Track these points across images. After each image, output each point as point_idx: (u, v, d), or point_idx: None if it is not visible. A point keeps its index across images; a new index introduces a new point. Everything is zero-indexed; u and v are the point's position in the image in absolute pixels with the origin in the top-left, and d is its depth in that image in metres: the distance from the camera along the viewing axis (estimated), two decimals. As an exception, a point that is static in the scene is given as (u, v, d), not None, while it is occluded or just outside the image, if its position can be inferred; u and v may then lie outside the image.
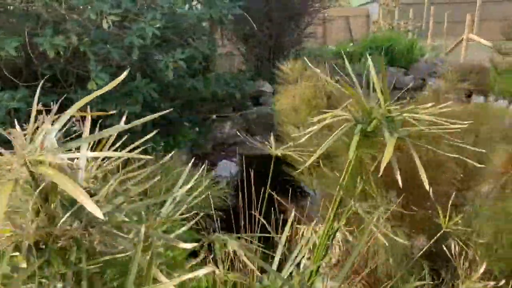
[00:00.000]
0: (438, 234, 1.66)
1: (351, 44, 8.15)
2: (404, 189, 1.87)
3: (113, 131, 0.79)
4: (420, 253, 1.63)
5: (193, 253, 1.28)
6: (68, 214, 0.67)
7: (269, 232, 1.57)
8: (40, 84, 1.07)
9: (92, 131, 0.91)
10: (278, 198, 1.95)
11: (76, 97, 4.38)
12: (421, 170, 1.05)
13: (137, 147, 0.99)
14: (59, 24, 4.11)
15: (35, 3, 3.95)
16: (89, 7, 4.02)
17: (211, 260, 1.37)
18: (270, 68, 7.88)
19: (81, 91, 4.36)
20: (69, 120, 0.77)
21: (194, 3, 5.03)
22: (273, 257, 1.35)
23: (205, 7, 5.27)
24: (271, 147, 1.75)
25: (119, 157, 0.90)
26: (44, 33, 3.92)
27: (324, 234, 1.37)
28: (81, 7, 4.16)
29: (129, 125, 0.79)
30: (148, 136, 1.00)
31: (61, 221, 0.66)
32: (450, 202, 1.66)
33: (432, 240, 1.66)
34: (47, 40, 3.90)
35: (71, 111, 0.77)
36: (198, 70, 5.75)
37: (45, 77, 4.47)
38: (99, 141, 0.91)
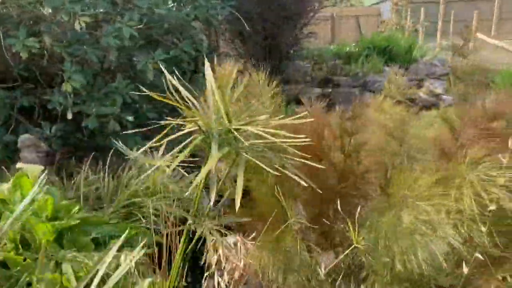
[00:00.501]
0: (349, 249, 1.56)
1: (353, 44, 7.98)
2: (313, 202, 1.77)
3: None
4: (327, 270, 1.52)
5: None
6: None
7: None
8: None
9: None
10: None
11: (54, 98, 4.38)
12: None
13: None
14: (34, 25, 4.12)
15: (6, 3, 3.96)
16: (61, 8, 4.01)
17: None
18: (267, 69, 7.79)
19: (58, 93, 4.36)
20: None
21: (171, 4, 4.95)
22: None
23: (190, 7, 5.21)
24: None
25: None
26: (18, 35, 3.93)
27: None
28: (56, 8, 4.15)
29: None
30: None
31: None
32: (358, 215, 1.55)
33: (342, 256, 1.56)
34: (19, 42, 3.90)
35: None
36: (185, 71, 5.70)
37: (24, 78, 4.50)
38: None
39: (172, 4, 4.96)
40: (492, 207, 1.40)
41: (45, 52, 4.19)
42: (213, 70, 1.99)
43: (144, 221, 3.28)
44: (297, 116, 1.58)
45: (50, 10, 4.19)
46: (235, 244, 1.55)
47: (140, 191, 3.64)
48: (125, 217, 3.48)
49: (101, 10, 4.31)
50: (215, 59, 7.41)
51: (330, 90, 6.63)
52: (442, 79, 6.28)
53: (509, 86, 5.12)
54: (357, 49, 7.49)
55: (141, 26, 4.85)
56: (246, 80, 2.33)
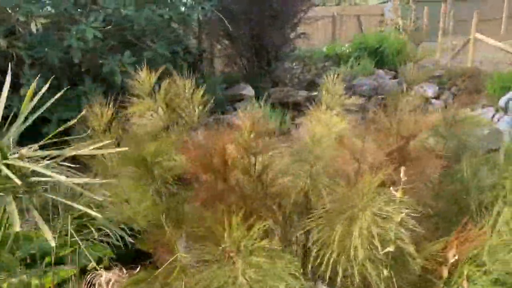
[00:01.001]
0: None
1: (346, 44, 7.70)
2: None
3: None
4: None
5: None
6: None
7: None
8: None
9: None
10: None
11: (14, 103, 4.23)
12: None
13: None
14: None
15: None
16: (17, 9, 3.85)
17: None
18: (254, 70, 7.58)
19: (17, 98, 4.21)
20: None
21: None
22: None
23: (163, 8, 5.02)
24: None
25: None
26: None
27: None
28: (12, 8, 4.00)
29: None
30: None
31: None
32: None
33: None
34: (-24, 43, 3.76)
35: None
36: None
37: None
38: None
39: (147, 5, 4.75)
40: (390, 248, 1.17)
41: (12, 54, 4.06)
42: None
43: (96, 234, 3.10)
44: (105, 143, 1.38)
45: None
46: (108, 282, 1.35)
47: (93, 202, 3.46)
48: (77, 230, 3.31)
49: (63, 11, 4.13)
50: (201, 60, 7.19)
51: (316, 93, 6.39)
52: (433, 82, 5.99)
53: (499, 90, 4.80)
54: (348, 50, 7.23)
55: (109, 27, 4.69)
56: (165, 86, 2.12)
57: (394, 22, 10.34)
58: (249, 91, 6.99)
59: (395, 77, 6.45)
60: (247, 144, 1.63)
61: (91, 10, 4.40)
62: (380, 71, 6.63)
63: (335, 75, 2.05)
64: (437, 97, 5.72)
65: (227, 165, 1.61)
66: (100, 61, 4.51)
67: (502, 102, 4.73)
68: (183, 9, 5.30)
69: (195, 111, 2.15)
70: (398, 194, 1.25)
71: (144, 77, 2.04)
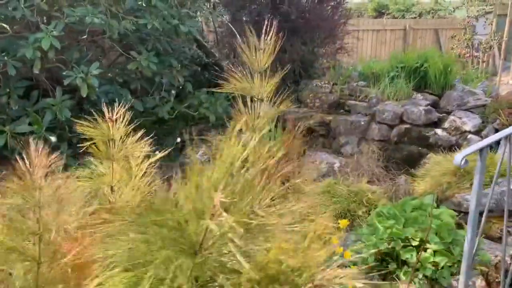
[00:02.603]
0: None
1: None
2: None
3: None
4: None
5: None
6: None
7: None
8: None
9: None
10: None
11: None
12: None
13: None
14: None
15: None
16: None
17: None
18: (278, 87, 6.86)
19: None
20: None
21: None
22: None
23: (151, 18, 4.59)
24: None
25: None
26: None
27: None
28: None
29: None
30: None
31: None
32: None
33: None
34: None
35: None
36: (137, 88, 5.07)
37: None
38: None
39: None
40: None
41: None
42: None
43: None
44: None
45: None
46: None
47: None
48: None
49: (21, 17, 3.87)
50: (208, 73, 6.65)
51: (330, 118, 5.50)
52: (475, 112, 4.79)
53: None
54: (384, 68, 6.20)
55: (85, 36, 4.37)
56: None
57: (466, 38, 8.90)
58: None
59: (434, 104, 5.32)
60: None
61: (51, 18, 4.11)
62: (419, 95, 5.54)
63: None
64: (477, 132, 4.55)
65: None
66: (64, 73, 4.20)
67: None
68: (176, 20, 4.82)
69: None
70: None
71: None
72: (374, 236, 2.69)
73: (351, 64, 7.54)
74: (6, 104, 4.29)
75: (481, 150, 1.98)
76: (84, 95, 4.25)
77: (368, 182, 4.17)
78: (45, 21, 4.13)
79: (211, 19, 6.39)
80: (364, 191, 3.87)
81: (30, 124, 4.16)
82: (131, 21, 4.44)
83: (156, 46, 4.96)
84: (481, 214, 3.36)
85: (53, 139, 4.14)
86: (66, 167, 4.20)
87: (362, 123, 5.25)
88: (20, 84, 4.35)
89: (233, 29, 5.75)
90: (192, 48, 7.45)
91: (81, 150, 1.76)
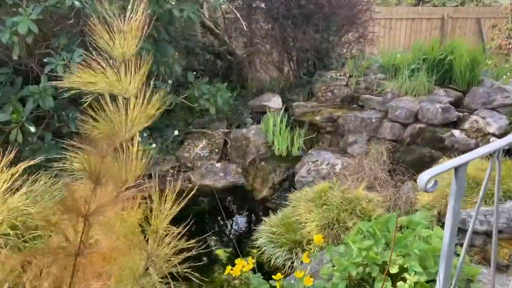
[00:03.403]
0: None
1: (398, 54, 6.00)
2: None
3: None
4: None
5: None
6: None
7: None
8: None
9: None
10: None
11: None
12: None
13: None
14: None
15: None
16: None
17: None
18: (292, 79, 6.44)
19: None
20: None
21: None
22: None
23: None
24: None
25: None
26: None
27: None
28: None
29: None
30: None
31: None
32: None
33: None
34: None
35: None
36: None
37: None
38: None
39: None
40: None
41: None
42: None
43: None
44: None
45: None
46: None
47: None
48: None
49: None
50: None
51: (339, 113, 5.00)
52: (502, 112, 4.19)
53: None
54: (406, 59, 5.60)
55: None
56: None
57: (509, 28, 8.07)
58: (275, 103, 5.90)
59: (457, 101, 4.74)
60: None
61: (31, 1, 3.88)
62: (441, 90, 4.96)
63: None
64: (503, 134, 3.97)
65: None
66: (45, 59, 3.98)
67: None
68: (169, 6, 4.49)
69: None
70: None
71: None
72: (347, 258, 2.27)
73: (376, 55, 6.98)
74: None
75: (456, 168, 1.53)
76: (67, 84, 4.01)
77: (368, 188, 3.72)
78: (24, 5, 3.90)
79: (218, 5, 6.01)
80: (359, 199, 3.43)
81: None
82: (118, 5, 4.14)
83: (151, 33, 4.65)
84: (488, 235, 2.86)
85: (32, 129, 3.94)
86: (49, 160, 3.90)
87: (374, 120, 4.75)
88: (2, 71, 4.18)
89: (238, 14, 5.35)
90: (206, 35, 7.15)
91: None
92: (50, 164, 4.49)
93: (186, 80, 5.37)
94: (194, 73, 6.76)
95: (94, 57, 1.48)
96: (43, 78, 4.17)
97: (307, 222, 3.43)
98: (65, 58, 3.96)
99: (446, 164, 1.53)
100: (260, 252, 3.46)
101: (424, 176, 1.46)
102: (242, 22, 5.29)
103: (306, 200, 3.65)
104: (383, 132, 4.64)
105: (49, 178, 4.11)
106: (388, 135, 4.59)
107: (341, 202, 3.41)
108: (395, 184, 3.79)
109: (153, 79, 4.98)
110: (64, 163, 4.49)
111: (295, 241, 3.37)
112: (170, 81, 4.91)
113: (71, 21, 4.17)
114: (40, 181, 3.96)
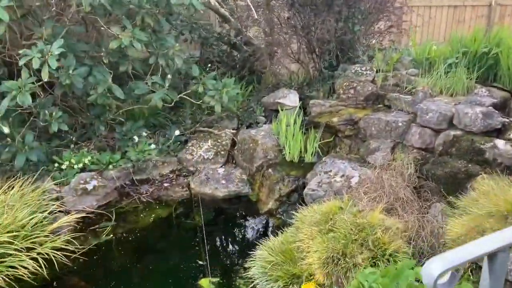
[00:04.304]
0: None
1: (434, 46, 5.21)
2: None
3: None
4: None
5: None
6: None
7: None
8: None
9: None
10: None
11: None
12: None
13: None
14: None
15: None
16: None
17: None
18: (313, 73, 5.79)
19: None
20: None
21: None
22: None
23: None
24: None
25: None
26: None
27: None
28: None
29: None
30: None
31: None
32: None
33: None
34: None
35: None
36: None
37: None
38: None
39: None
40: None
41: None
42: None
43: None
44: None
45: None
46: None
47: None
48: None
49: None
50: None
51: (360, 115, 4.33)
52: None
53: None
54: (442, 52, 4.83)
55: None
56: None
57: None
58: (291, 100, 5.29)
59: (503, 104, 3.98)
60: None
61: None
62: (483, 89, 4.20)
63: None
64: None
65: None
66: (20, 51, 3.54)
67: None
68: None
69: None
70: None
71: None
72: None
73: (410, 47, 6.20)
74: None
75: (491, 256, 0.91)
76: (45, 79, 3.57)
77: (387, 210, 3.08)
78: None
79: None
80: (374, 226, 2.80)
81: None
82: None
83: (148, 22, 4.14)
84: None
85: (5, 129, 3.52)
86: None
87: (400, 124, 4.07)
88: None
89: (249, 1, 4.75)
90: (222, 25, 6.58)
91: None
92: (32, 166, 4.10)
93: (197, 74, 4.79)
94: (209, 65, 6.24)
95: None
96: (24, 72, 3.74)
97: (309, 251, 2.84)
98: (43, 50, 3.51)
99: (473, 247, 0.91)
100: (251, 285, 2.91)
101: (433, 266, 0.84)
102: (254, 10, 4.68)
103: (310, 222, 3.05)
104: (411, 139, 3.95)
105: (29, 184, 3.71)
106: (417, 142, 3.90)
107: (351, 229, 2.79)
108: (421, 206, 3.12)
109: (149, 73, 4.50)
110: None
111: (293, 274, 2.80)
112: (169, 76, 4.38)
113: (53, 8, 3.71)
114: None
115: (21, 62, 3.50)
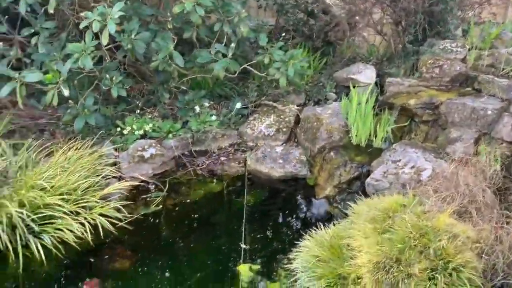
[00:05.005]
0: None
1: None
2: None
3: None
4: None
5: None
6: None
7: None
8: None
9: None
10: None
11: None
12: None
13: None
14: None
15: None
16: None
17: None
18: (397, 47, 5.21)
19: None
20: None
21: None
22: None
23: None
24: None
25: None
26: None
27: None
28: None
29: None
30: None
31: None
32: None
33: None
34: None
35: None
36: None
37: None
38: None
39: None
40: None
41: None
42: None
43: None
44: None
45: None
46: None
47: None
48: None
49: None
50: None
51: (442, 98, 3.76)
52: None
53: None
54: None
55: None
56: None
57: None
58: (366, 76, 4.84)
59: None
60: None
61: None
62: None
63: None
64: None
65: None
66: (82, 14, 3.49)
67: None
68: None
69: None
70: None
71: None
72: None
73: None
74: (35, 48, 3.83)
75: None
76: (105, 43, 3.52)
77: (459, 214, 2.63)
78: None
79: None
80: (439, 232, 2.40)
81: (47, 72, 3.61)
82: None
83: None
84: None
85: (65, 92, 3.54)
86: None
87: (490, 112, 3.49)
88: (49, 25, 3.83)
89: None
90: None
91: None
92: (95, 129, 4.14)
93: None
94: (284, 34, 5.90)
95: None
96: (88, 35, 3.71)
97: (360, 251, 2.52)
98: (103, 13, 3.44)
99: None
100: (292, 279, 2.67)
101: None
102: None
103: (367, 218, 2.71)
104: (501, 131, 3.37)
105: (87, 147, 3.75)
106: (508, 135, 3.32)
107: (411, 233, 2.41)
108: (502, 215, 2.62)
109: (214, 41, 4.30)
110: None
111: (338, 274, 2.51)
112: (233, 44, 4.15)
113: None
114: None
115: (82, 25, 3.46)
